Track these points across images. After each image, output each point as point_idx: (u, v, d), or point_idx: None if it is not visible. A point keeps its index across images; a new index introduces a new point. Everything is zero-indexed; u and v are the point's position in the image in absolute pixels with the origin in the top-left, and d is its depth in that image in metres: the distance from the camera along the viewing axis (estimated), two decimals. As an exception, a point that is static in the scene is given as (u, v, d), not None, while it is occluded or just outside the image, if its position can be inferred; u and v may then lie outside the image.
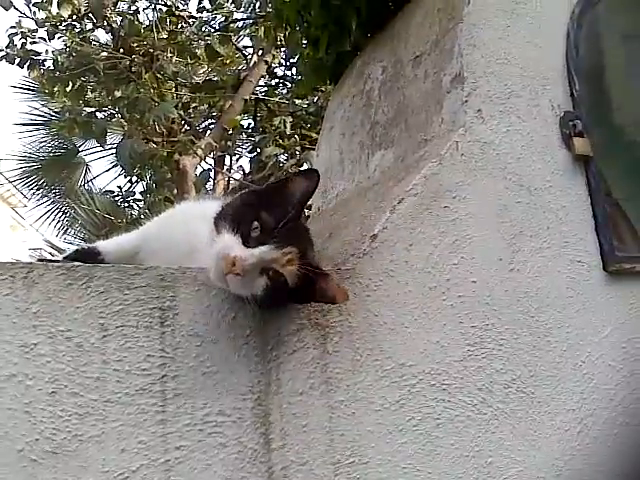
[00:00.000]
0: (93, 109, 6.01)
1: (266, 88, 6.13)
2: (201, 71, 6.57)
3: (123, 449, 1.00)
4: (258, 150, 5.63)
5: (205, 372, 1.08)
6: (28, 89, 7.11)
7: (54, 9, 5.02)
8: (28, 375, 0.98)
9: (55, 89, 5.79)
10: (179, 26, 5.71)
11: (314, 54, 2.52)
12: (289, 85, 5.77)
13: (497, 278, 1.43)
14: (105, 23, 5.41)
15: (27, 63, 5.46)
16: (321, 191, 2.20)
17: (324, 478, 1.13)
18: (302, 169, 1.17)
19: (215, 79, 5.99)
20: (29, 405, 0.97)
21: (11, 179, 8.99)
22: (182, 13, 5.73)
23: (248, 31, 5.89)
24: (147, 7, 5.77)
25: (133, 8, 5.54)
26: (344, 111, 2.21)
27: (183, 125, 6.23)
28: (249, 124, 6.00)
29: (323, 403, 1.16)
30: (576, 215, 1.60)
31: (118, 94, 5.64)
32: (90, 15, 5.24)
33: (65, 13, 4.80)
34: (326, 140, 2.33)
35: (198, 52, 5.93)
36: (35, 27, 5.58)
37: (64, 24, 5.37)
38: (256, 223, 1.10)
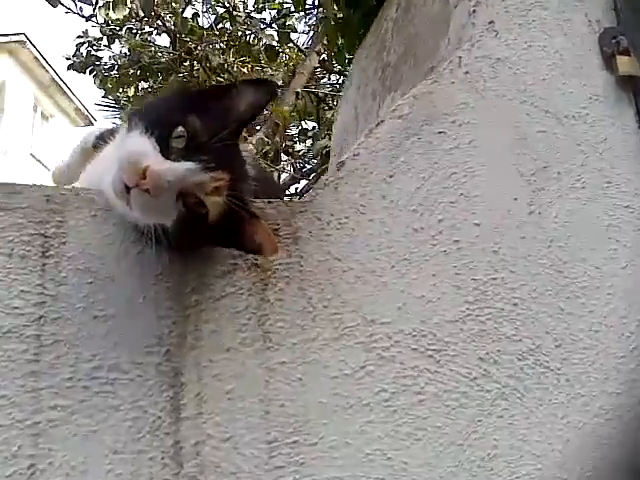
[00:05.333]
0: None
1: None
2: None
3: (-19, 406, 0.80)
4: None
5: (97, 316, 0.86)
6: (108, 106, 7.27)
7: (110, 13, 5.07)
8: None
9: (118, 94, 5.87)
10: (237, 27, 5.65)
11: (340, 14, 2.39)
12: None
13: (511, 222, 1.13)
14: (161, 23, 5.43)
15: (89, 68, 5.56)
16: (337, 152, 1.96)
17: (254, 460, 0.87)
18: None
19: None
20: None
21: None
22: (240, 13, 5.67)
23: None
24: (206, 10, 5.75)
25: (192, 11, 5.54)
26: (360, 63, 1.96)
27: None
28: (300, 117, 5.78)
29: (258, 364, 0.91)
30: (621, 150, 1.26)
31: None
32: (146, 18, 5.28)
33: (120, 15, 4.84)
34: (344, 100, 2.10)
35: (257, 54, 5.83)
36: (100, 35, 5.69)
37: (124, 28, 5.44)
38: (181, 129, 0.85)
